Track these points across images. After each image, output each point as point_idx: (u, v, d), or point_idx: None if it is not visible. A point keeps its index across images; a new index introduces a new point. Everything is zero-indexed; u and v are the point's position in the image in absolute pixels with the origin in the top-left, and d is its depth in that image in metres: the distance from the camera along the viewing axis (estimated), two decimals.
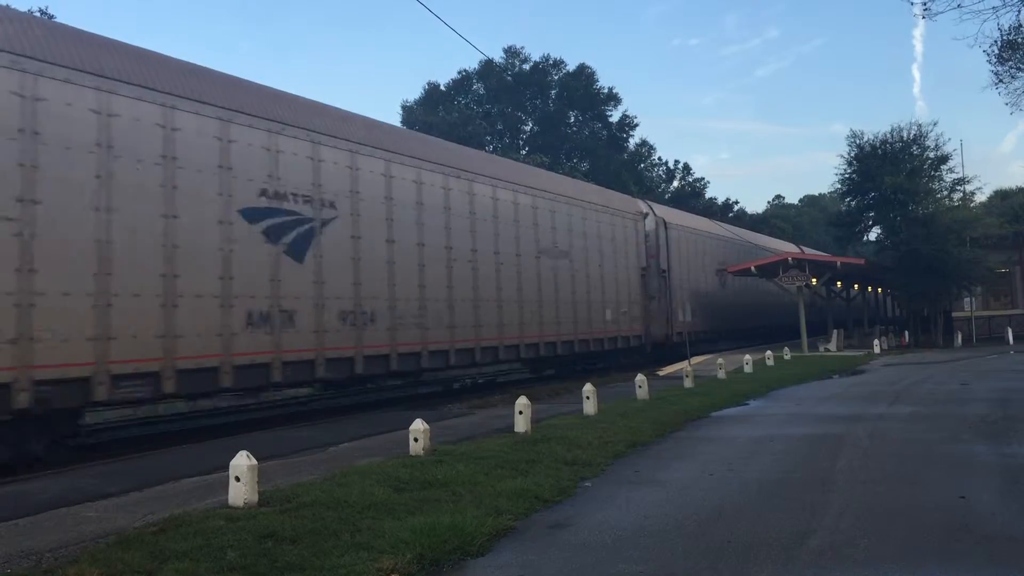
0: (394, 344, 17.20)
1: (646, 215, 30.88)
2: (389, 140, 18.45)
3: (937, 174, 39.35)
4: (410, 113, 63.97)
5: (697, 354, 29.91)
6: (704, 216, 49.35)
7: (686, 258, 33.99)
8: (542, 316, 22.71)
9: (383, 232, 17.37)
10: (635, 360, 28.64)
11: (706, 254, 36.44)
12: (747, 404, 16.72)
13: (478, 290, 20.06)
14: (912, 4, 17.64)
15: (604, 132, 70.30)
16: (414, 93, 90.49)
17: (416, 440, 10.28)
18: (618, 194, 32.56)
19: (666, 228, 32.12)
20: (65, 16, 77.61)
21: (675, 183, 75.97)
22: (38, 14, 33.63)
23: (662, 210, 34.10)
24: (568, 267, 24.52)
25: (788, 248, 51.20)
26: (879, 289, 51.25)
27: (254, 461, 7.76)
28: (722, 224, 45.88)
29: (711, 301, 36.13)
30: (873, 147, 39.36)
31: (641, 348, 29.36)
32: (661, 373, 25.00)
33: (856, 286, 45.33)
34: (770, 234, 59.50)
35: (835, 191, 44.52)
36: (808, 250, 54.26)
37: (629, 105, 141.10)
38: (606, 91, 69.81)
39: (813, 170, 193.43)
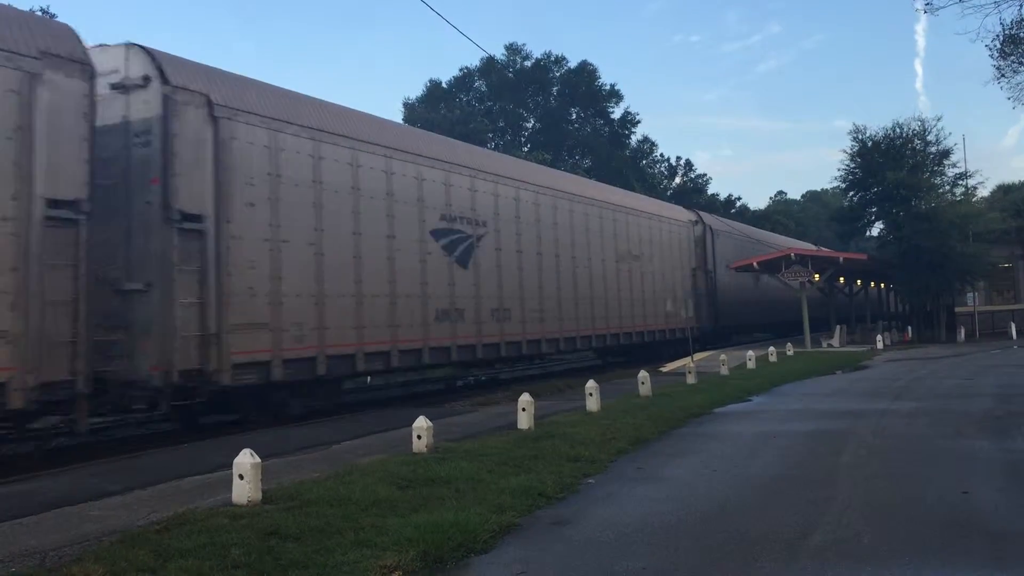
0: None
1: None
2: None
3: (939, 169, 39.36)
4: (412, 111, 63.98)
5: None
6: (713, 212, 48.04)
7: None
8: None
9: None
10: None
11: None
12: (750, 400, 16.72)
13: None
14: None
15: (606, 129, 70.24)
16: (416, 91, 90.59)
17: (419, 437, 10.29)
18: None
19: (220, 121, 14.13)
20: (65, 15, 77.67)
21: (677, 179, 75.95)
22: (39, 13, 33.64)
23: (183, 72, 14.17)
24: None
25: (613, 197, 30.01)
26: (882, 284, 51.14)
27: (257, 459, 7.78)
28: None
29: None
30: (875, 142, 39.35)
31: None
32: (664, 370, 24.99)
33: (859, 282, 45.26)
34: (771, 230, 59.18)
35: (837, 187, 44.60)
36: (710, 217, 39.50)
37: (631, 102, 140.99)
38: (608, 88, 69.81)
39: (815, 166, 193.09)
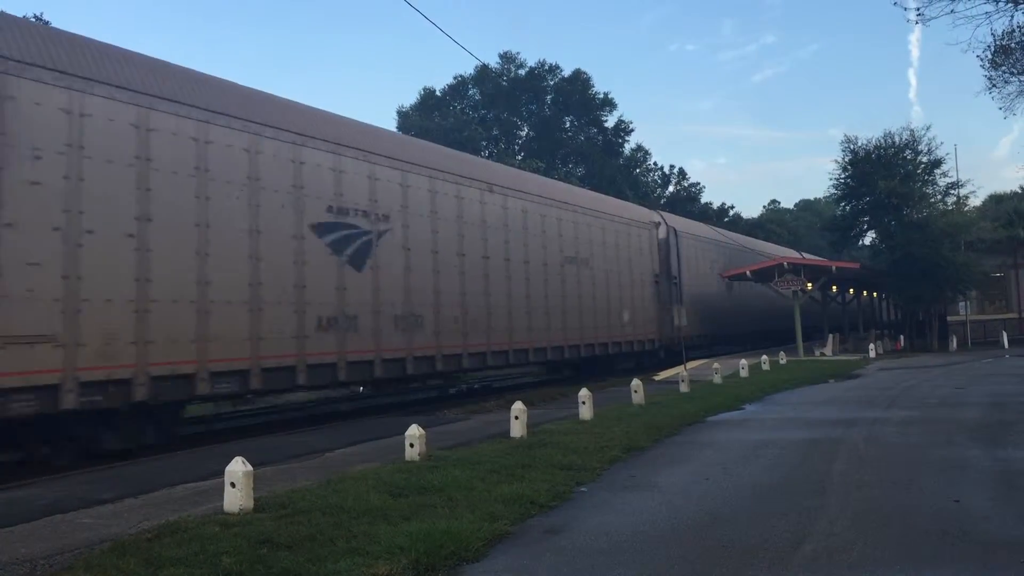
0: None
1: None
2: None
3: (931, 178, 39.59)
4: (406, 118, 64.03)
5: None
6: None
7: None
8: None
9: None
10: None
11: None
12: (743, 409, 16.73)
13: None
14: (906, 10, 17.72)
15: (600, 137, 70.36)
16: (410, 99, 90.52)
17: (412, 445, 10.28)
18: None
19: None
20: (61, 20, 77.49)
21: (671, 188, 76.14)
22: (33, 19, 33.60)
23: None
24: None
25: (557, 193, 26.24)
26: (874, 293, 51.32)
27: (249, 467, 7.76)
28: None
29: None
30: (867, 152, 39.56)
31: None
32: (657, 378, 25.01)
33: (851, 290, 45.41)
34: (764, 238, 59.19)
35: (830, 196, 44.71)
36: (668, 213, 36.96)
37: (625, 110, 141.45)
38: (602, 96, 69.96)
39: (809, 175, 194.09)
